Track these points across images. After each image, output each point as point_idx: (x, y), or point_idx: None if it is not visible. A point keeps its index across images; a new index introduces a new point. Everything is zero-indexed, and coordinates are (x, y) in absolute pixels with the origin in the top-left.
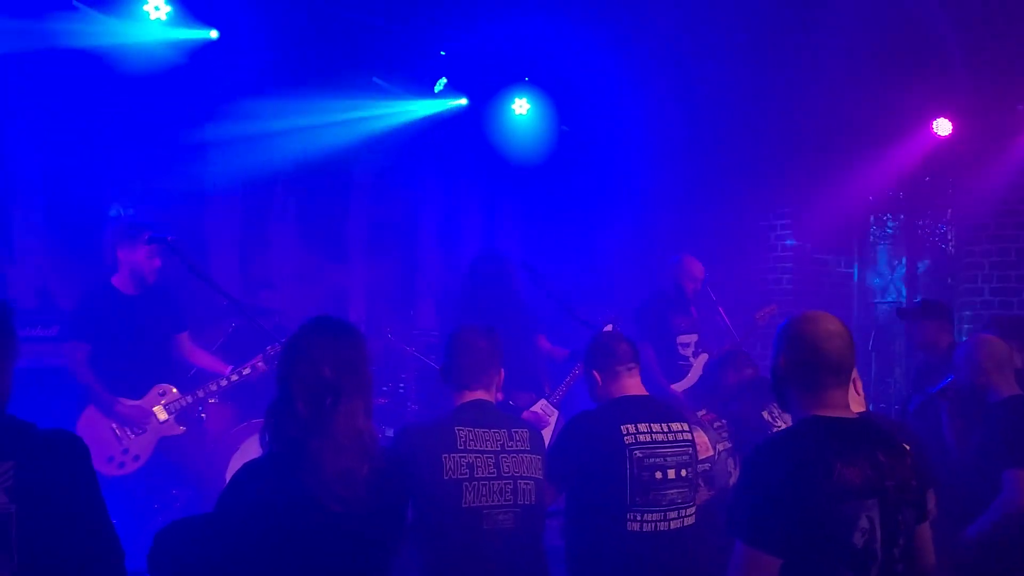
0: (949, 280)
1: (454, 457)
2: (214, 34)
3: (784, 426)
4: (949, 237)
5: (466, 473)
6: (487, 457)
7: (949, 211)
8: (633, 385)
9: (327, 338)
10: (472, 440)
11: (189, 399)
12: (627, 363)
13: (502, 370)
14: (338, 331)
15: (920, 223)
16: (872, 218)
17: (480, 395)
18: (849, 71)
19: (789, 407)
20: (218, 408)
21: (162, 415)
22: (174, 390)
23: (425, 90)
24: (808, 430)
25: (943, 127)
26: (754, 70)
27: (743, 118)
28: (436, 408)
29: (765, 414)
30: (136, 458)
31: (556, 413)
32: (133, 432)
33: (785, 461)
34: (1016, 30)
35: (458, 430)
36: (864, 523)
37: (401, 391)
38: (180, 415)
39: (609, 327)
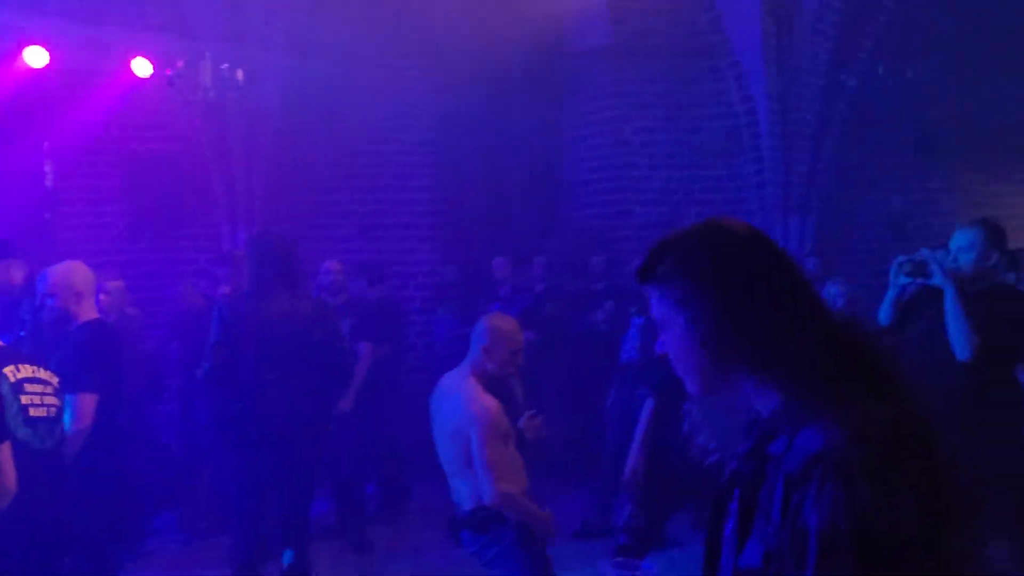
0: (48, 215)
1: None
2: None
3: None
4: (48, 171)
5: None
6: None
7: (47, 144)
8: None
9: None
10: None
11: None
12: None
13: None
14: None
15: (15, 157)
16: None
17: None
18: None
19: None
20: None
21: None
22: None
23: None
24: None
25: (37, 57)
26: None
27: None
28: None
29: None
30: None
31: None
32: None
33: None
34: None
35: None
36: None
37: None
38: None
39: None
